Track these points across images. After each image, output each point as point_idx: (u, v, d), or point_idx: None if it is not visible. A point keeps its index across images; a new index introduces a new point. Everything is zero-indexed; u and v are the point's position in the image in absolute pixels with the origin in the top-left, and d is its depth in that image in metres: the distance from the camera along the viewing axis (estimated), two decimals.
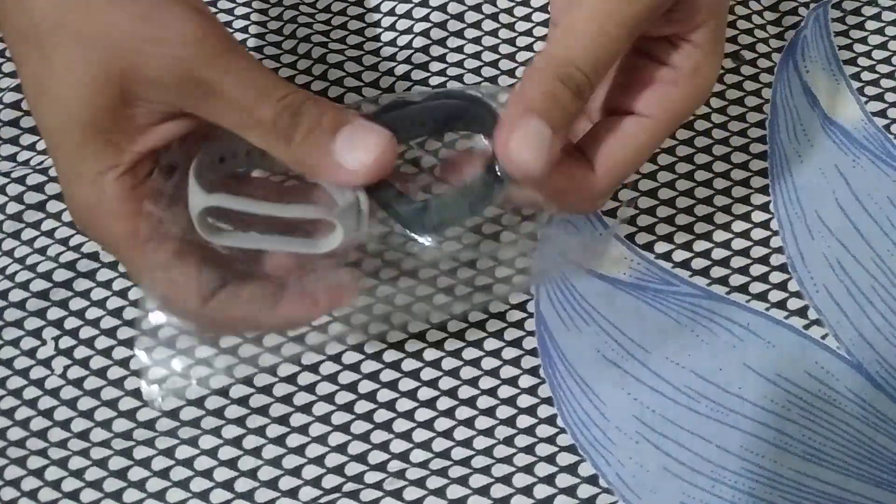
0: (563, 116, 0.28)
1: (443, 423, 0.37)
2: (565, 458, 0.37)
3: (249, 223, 0.29)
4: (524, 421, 0.37)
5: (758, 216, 0.40)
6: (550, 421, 0.37)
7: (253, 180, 0.33)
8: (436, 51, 0.43)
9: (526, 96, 0.28)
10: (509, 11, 0.44)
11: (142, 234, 0.28)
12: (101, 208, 0.28)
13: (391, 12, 0.44)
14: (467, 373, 0.38)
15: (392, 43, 0.43)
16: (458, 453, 0.37)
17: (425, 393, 0.38)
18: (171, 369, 0.31)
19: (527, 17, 0.44)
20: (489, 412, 0.37)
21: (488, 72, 0.43)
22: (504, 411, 0.37)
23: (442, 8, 0.43)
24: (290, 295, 0.29)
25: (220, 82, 0.26)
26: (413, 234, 0.29)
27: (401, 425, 0.37)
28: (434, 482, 0.36)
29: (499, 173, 0.29)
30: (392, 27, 0.44)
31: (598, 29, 0.28)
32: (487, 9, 0.44)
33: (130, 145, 0.27)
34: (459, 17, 0.43)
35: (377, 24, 0.44)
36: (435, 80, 0.42)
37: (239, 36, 0.44)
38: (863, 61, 0.43)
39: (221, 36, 0.27)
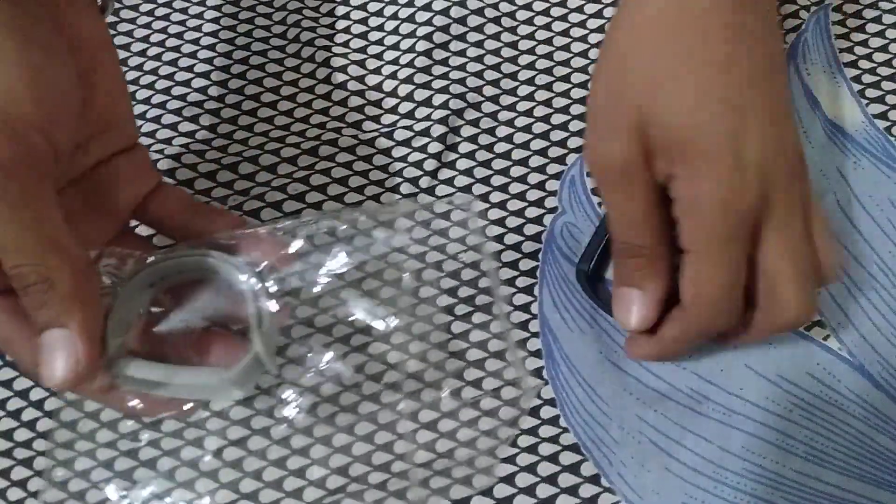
0: None
1: (446, 424, 0.37)
2: (568, 458, 0.37)
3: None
4: (527, 421, 0.37)
5: None
6: (553, 421, 0.37)
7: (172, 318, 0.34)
8: (438, 54, 0.43)
9: None
10: (511, 15, 0.44)
11: None
12: None
13: (394, 16, 0.44)
14: (471, 374, 0.38)
15: (395, 47, 0.44)
16: (461, 454, 0.37)
17: (428, 394, 0.38)
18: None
19: (529, 21, 0.44)
20: (492, 413, 0.37)
21: (491, 75, 0.43)
22: (507, 412, 0.37)
23: (445, 12, 0.44)
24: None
25: None
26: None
27: (404, 426, 0.37)
28: (437, 482, 0.36)
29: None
30: (395, 31, 0.44)
31: None
32: (490, 13, 0.44)
33: None
34: (462, 20, 0.44)
35: (380, 27, 0.44)
36: (437, 84, 0.43)
37: (243, 40, 0.44)
38: (864, 64, 0.43)
39: (15, 160, 0.27)
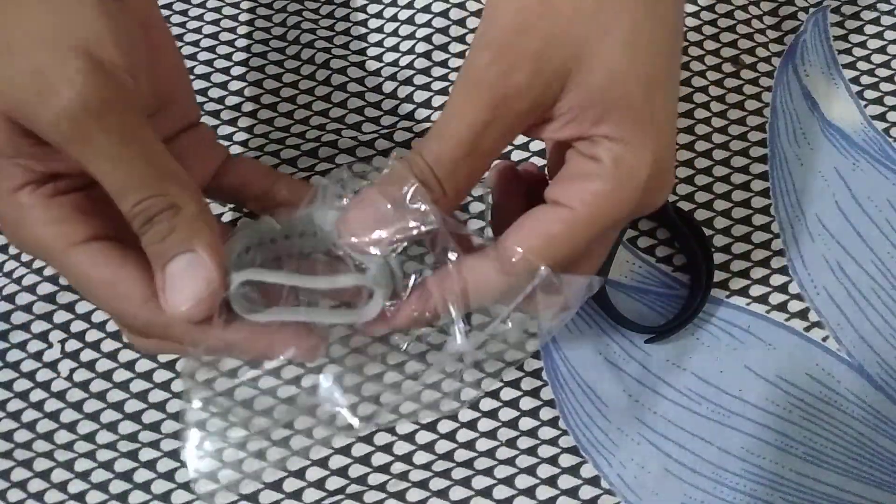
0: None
1: (446, 426, 0.37)
2: (567, 460, 0.37)
3: (285, 298, 0.29)
4: (527, 423, 0.37)
5: (758, 219, 0.40)
6: (553, 423, 0.37)
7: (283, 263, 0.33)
8: (438, 56, 0.43)
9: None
10: None
11: (73, 237, 0.28)
12: (24, 219, 0.28)
13: (394, 18, 0.44)
14: (470, 376, 0.38)
15: (395, 48, 0.44)
16: (461, 455, 0.37)
17: (428, 395, 0.38)
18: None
19: None
20: (492, 414, 0.37)
21: None
22: (506, 413, 0.37)
23: (444, 14, 0.44)
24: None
25: (99, 147, 0.26)
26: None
27: (404, 427, 0.37)
28: (437, 484, 0.36)
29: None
30: (395, 33, 0.44)
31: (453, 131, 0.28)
32: None
33: (39, 166, 0.28)
34: (461, 22, 0.44)
35: (380, 29, 0.44)
36: (437, 85, 0.43)
37: (243, 42, 0.44)
38: (862, 65, 0.43)
39: (113, 101, 0.27)
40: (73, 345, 0.38)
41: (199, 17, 0.45)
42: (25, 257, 0.40)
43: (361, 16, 0.44)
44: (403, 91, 0.43)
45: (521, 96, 0.27)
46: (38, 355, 0.38)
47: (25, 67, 0.26)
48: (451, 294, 0.29)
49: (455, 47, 0.43)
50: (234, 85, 0.43)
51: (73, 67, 0.26)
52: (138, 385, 0.38)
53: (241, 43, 0.44)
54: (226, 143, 0.42)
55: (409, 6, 0.44)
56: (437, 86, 0.43)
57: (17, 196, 0.28)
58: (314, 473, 0.37)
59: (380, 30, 0.44)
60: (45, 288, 0.39)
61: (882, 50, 0.43)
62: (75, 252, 0.28)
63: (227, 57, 0.44)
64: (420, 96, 0.43)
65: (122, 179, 0.27)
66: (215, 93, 0.43)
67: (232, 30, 0.45)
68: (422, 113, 0.42)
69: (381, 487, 0.36)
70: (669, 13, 0.29)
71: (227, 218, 0.40)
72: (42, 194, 0.28)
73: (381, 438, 0.37)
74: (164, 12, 0.45)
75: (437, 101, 0.42)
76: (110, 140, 0.26)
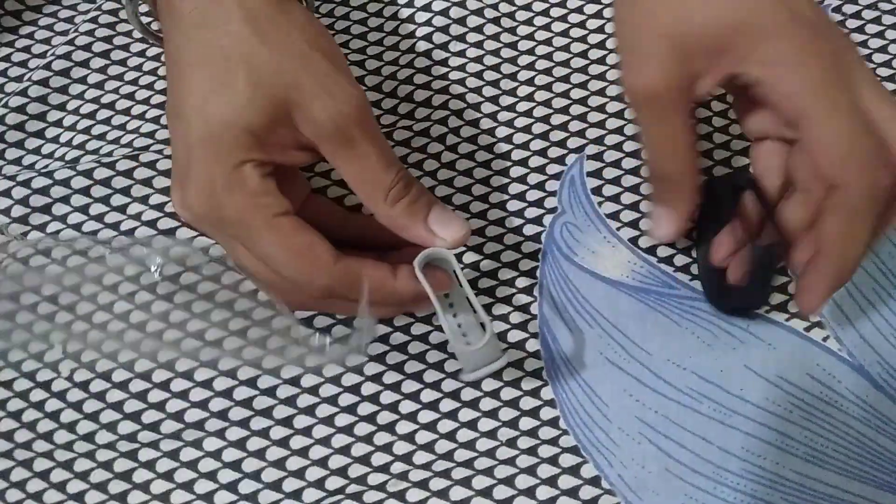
0: None
1: (446, 426, 0.37)
2: (568, 460, 0.37)
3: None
4: (527, 423, 0.37)
5: None
6: (553, 423, 0.37)
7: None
8: (438, 55, 0.43)
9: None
10: (511, 16, 0.44)
11: (277, 209, 0.33)
12: (241, 188, 0.32)
13: (394, 17, 0.44)
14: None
15: (395, 47, 0.44)
16: (461, 455, 0.37)
17: (428, 395, 0.38)
18: None
19: (528, 21, 0.44)
20: (492, 414, 0.37)
21: (490, 75, 0.43)
22: (507, 413, 0.37)
23: (444, 12, 0.44)
24: (404, 274, 0.34)
25: (362, 143, 0.33)
26: None
27: (404, 427, 0.37)
28: (437, 484, 0.36)
29: None
30: (394, 31, 0.44)
31: None
32: (489, 13, 0.44)
33: (274, 154, 0.33)
34: (461, 21, 0.44)
35: (380, 28, 0.44)
36: (437, 84, 0.43)
37: None
38: None
39: (368, 107, 0.34)
40: (74, 345, 0.38)
41: None
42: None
43: (361, 14, 0.44)
44: (403, 91, 0.43)
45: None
46: (39, 356, 0.38)
47: (312, 71, 0.33)
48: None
49: (455, 46, 0.43)
50: None
51: (344, 78, 0.33)
52: (137, 385, 0.38)
53: None
54: None
55: (409, 5, 0.44)
56: (436, 85, 0.43)
57: (242, 168, 0.32)
58: (314, 473, 0.37)
59: (379, 28, 0.44)
60: (47, 289, 0.39)
61: (883, 49, 0.43)
62: (278, 221, 0.32)
63: None
64: (420, 95, 0.42)
65: (387, 157, 0.34)
66: None
67: None
68: (422, 112, 0.42)
69: (380, 487, 0.36)
70: None
71: None
72: (260, 172, 0.33)
73: (381, 438, 0.37)
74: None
75: (437, 100, 0.42)
76: (373, 128, 0.34)
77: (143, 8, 0.40)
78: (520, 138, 0.42)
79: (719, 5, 0.33)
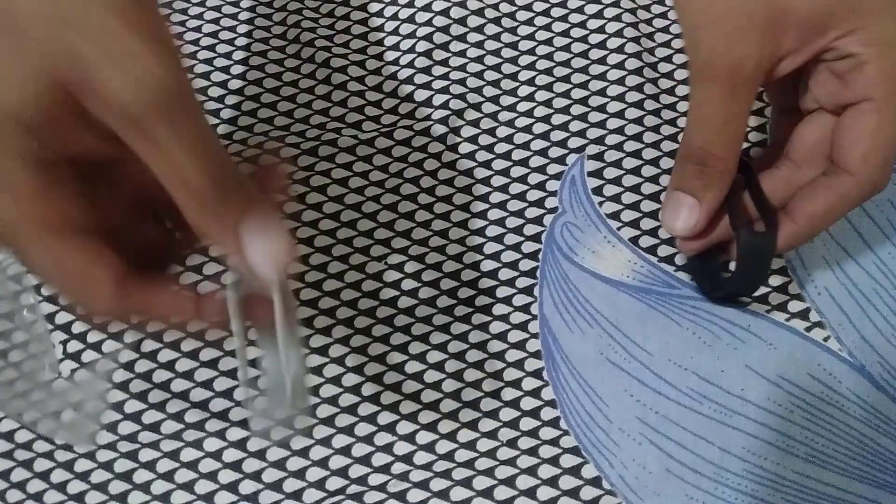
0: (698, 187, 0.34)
1: (446, 426, 0.37)
2: (569, 460, 0.37)
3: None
4: (527, 423, 0.37)
5: None
6: (554, 423, 0.37)
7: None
8: (438, 55, 0.43)
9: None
10: (512, 16, 0.44)
11: (51, 220, 0.27)
12: (9, 190, 0.27)
13: (394, 17, 0.44)
14: (470, 375, 0.38)
15: (395, 47, 0.44)
16: (462, 455, 0.37)
17: (428, 395, 0.38)
18: None
19: (529, 21, 0.44)
20: (492, 414, 0.37)
21: (491, 75, 0.43)
22: (507, 413, 0.37)
23: (445, 12, 0.44)
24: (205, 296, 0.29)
25: (161, 133, 0.26)
26: None
27: (404, 427, 0.37)
28: (438, 484, 0.36)
29: None
30: (395, 31, 0.44)
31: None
32: (490, 13, 0.44)
33: (57, 146, 0.27)
34: (462, 21, 0.44)
35: (380, 28, 0.44)
36: (438, 84, 0.43)
37: (243, 41, 0.44)
38: None
39: (178, 91, 0.26)
40: (74, 345, 0.38)
41: (199, 17, 0.45)
42: None
43: (362, 14, 0.44)
44: (403, 91, 0.43)
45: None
46: (39, 355, 0.38)
47: (93, 41, 0.25)
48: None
49: (456, 46, 0.43)
50: (234, 84, 0.43)
51: (140, 47, 0.25)
52: (137, 385, 0.38)
53: (241, 42, 0.44)
54: (225, 143, 0.42)
55: (410, 5, 0.44)
56: (437, 85, 0.43)
57: (11, 167, 0.26)
58: (314, 473, 0.37)
59: (380, 28, 0.44)
60: (47, 289, 0.39)
61: None
62: (49, 236, 0.27)
63: (227, 56, 0.44)
64: (421, 95, 0.42)
65: (198, 150, 0.27)
66: (215, 92, 0.43)
67: (232, 29, 0.44)
68: (422, 112, 0.42)
69: (381, 488, 0.36)
70: None
71: None
72: (35, 171, 0.27)
73: (382, 439, 0.37)
74: (164, 11, 0.45)
75: (438, 99, 0.42)
76: (182, 109, 0.26)
77: None
78: (520, 138, 0.42)
79: None
